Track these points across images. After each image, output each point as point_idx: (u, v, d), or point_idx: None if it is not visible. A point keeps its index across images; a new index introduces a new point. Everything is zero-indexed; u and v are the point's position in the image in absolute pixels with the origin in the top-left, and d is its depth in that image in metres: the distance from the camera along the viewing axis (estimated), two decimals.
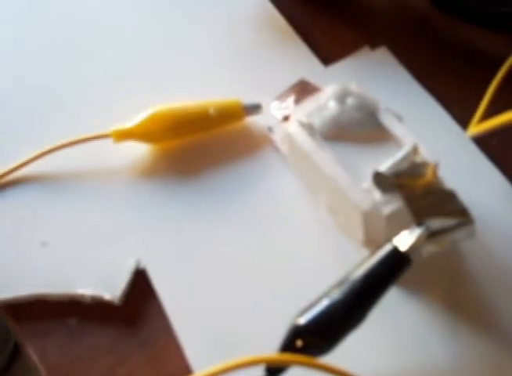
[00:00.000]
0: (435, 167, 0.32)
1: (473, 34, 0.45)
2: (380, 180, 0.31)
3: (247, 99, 0.40)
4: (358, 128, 0.34)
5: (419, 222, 0.31)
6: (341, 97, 0.35)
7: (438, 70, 0.43)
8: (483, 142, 0.39)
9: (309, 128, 0.34)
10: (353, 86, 0.35)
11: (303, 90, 0.37)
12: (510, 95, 0.40)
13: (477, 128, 0.36)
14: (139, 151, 0.40)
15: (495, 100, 0.40)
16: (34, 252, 0.37)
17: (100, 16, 0.48)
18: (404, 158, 0.32)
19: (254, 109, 0.39)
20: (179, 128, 0.39)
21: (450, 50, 0.44)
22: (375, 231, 0.32)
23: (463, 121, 0.40)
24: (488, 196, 0.37)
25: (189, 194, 0.38)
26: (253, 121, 0.40)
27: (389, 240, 0.30)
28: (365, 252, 0.33)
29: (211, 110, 0.38)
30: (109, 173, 0.40)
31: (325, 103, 0.35)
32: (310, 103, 0.35)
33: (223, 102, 0.39)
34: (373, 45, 0.44)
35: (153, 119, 0.39)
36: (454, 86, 0.42)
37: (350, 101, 0.34)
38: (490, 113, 0.38)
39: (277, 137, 0.37)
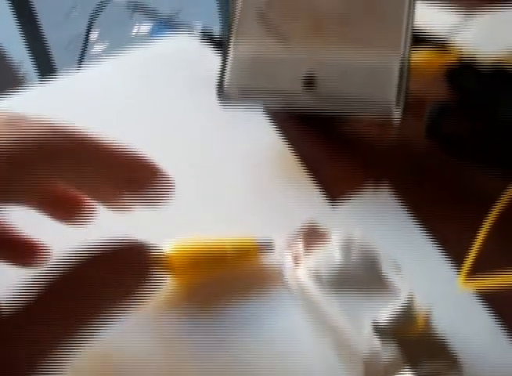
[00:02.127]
0: (428, 316, 0.36)
1: (471, 173, 0.49)
2: (378, 329, 0.35)
3: (260, 235, 0.44)
4: (362, 277, 0.38)
5: (413, 368, 0.35)
6: (346, 247, 0.39)
7: (437, 209, 0.47)
8: None
9: (317, 278, 0.38)
10: (357, 236, 0.39)
11: (311, 234, 0.41)
12: (501, 237, 0.44)
13: (466, 284, 0.40)
14: None
15: (487, 241, 0.43)
16: None
17: None
18: (400, 308, 0.36)
19: (268, 247, 0.43)
20: (197, 264, 0.43)
21: (449, 189, 0.49)
22: (374, 374, 0.36)
23: (457, 260, 0.44)
24: (478, 336, 0.40)
25: (203, 327, 0.42)
26: (266, 258, 0.44)
27: None
28: None
29: (229, 250, 0.43)
30: None
31: (331, 253, 0.39)
32: (317, 253, 0.39)
33: (239, 241, 0.43)
34: (377, 182, 0.49)
35: (171, 254, 0.43)
36: (450, 223, 0.46)
37: (354, 252, 0.38)
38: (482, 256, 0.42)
39: (288, 276, 0.41)
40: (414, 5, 0.50)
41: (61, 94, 0.60)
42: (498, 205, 0.45)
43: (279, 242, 0.43)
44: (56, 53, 2.34)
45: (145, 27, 3.09)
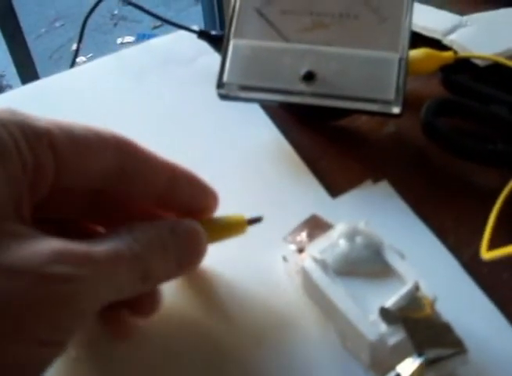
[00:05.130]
0: (433, 302, 0.37)
1: (466, 169, 0.50)
2: (385, 314, 0.36)
3: (261, 229, 0.43)
4: (366, 264, 0.38)
5: (419, 352, 0.35)
6: (351, 236, 0.39)
7: (433, 202, 0.48)
8: (474, 271, 0.43)
9: (322, 264, 0.38)
10: (361, 225, 0.40)
11: (315, 225, 0.42)
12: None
13: (490, 254, 0.41)
14: None
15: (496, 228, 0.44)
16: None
17: None
18: (406, 294, 0.37)
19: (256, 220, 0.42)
20: None
21: (445, 183, 0.49)
22: (380, 358, 0.36)
23: (457, 250, 0.44)
24: (479, 322, 0.41)
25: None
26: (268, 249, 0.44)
27: (393, 366, 0.35)
28: (371, 374, 0.38)
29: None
30: None
31: (336, 241, 0.39)
32: (322, 240, 0.40)
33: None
34: (376, 177, 0.49)
35: None
36: (449, 217, 0.47)
37: (358, 240, 0.39)
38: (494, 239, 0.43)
39: (291, 266, 0.42)
40: (412, 5, 0.51)
41: (53, 92, 0.60)
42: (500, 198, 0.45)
43: (280, 234, 0.43)
44: (40, 64, 2.34)
45: (128, 39, 3.10)
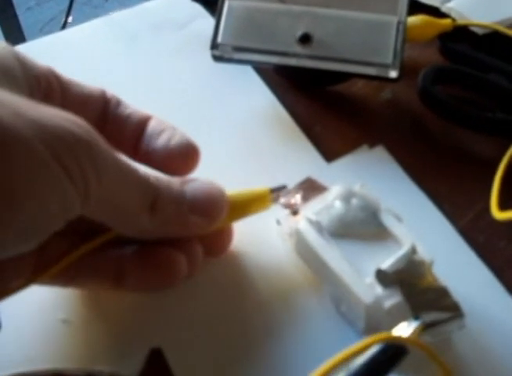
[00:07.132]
0: (430, 265, 0.36)
1: (463, 136, 0.49)
2: (382, 276, 0.35)
3: None
4: (362, 226, 0.38)
5: (416, 315, 0.34)
6: (346, 197, 0.38)
7: (430, 169, 0.47)
8: (471, 238, 0.43)
9: (317, 226, 0.38)
10: (357, 187, 0.39)
11: (310, 188, 0.41)
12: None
13: (503, 214, 0.40)
14: None
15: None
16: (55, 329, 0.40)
17: None
18: (403, 257, 0.36)
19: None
20: None
21: (441, 150, 0.49)
22: (375, 322, 0.35)
23: (453, 217, 0.44)
24: (476, 288, 0.40)
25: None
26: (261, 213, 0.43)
27: (388, 330, 0.34)
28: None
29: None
30: None
31: (331, 203, 0.38)
32: (317, 202, 0.39)
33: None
34: (372, 143, 0.48)
35: None
36: (445, 184, 0.46)
37: (354, 202, 0.38)
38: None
39: (284, 230, 0.41)
40: None
41: (41, 55, 0.57)
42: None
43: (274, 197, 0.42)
44: (30, 36, 2.30)
45: None
